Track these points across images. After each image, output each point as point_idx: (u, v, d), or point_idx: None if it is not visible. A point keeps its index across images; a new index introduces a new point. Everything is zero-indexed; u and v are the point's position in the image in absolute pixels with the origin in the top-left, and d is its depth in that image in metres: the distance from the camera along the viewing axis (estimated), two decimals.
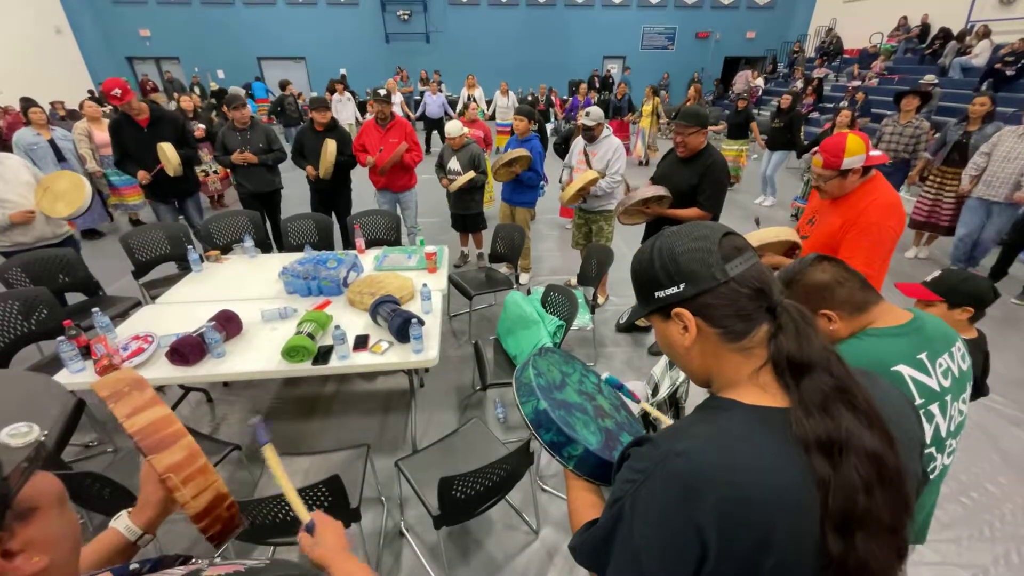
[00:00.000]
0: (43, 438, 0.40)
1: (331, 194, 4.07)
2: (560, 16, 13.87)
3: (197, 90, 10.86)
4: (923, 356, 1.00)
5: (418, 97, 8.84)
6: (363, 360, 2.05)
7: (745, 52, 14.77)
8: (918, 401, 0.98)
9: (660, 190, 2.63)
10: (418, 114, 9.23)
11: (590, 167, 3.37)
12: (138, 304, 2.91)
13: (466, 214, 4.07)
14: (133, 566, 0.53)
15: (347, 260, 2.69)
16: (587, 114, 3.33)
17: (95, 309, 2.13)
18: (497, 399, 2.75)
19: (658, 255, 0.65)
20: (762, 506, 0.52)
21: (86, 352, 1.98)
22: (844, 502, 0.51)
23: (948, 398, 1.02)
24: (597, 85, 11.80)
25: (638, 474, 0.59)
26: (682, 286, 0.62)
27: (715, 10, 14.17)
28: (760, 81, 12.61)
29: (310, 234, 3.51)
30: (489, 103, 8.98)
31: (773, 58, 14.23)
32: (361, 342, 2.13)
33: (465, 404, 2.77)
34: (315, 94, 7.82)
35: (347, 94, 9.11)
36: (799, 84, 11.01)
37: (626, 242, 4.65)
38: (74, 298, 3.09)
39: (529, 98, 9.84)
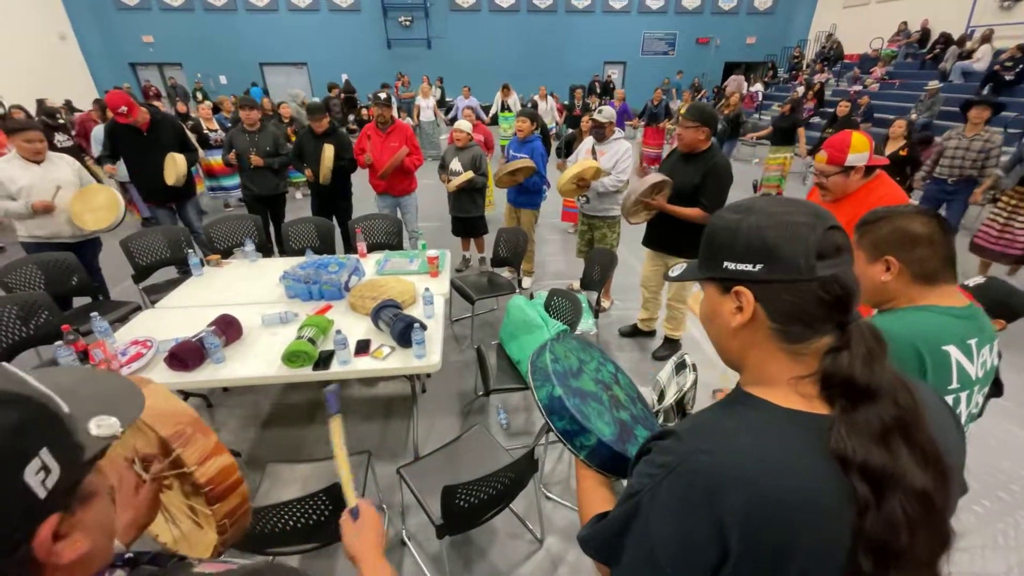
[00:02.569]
0: (119, 433, 0.41)
1: (332, 198, 4.06)
2: (561, 22, 13.94)
3: (199, 95, 10.90)
4: (972, 342, 0.98)
5: (419, 103, 8.88)
6: (364, 365, 2.02)
7: (745, 57, 14.83)
8: (953, 385, 0.97)
9: (661, 176, 2.62)
10: (449, 117, 9.27)
11: None
12: (138, 308, 2.88)
13: (466, 218, 4.04)
14: (128, 555, 0.52)
15: (348, 264, 2.66)
16: (600, 111, 3.30)
17: (94, 314, 2.10)
18: (500, 405, 2.71)
19: (747, 224, 0.57)
20: (791, 510, 0.50)
21: (84, 357, 1.95)
22: (884, 534, 0.48)
23: (976, 388, 1.01)
24: (598, 90, 11.83)
25: (659, 469, 0.56)
26: (758, 267, 0.56)
27: (715, 16, 14.24)
28: (759, 86, 12.64)
29: (311, 238, 3.49)
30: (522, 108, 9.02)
31: (773, 63, 14.28)
32: (363, 347, 2.10)
33: (468, 410, 2.73)
34: (316, 99, 7.83)
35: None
36: (800, 89, 11.04)
37: (631, 250, 4.61)
38: (80, 301, 3.06)
39: (529, 104, 9.86)
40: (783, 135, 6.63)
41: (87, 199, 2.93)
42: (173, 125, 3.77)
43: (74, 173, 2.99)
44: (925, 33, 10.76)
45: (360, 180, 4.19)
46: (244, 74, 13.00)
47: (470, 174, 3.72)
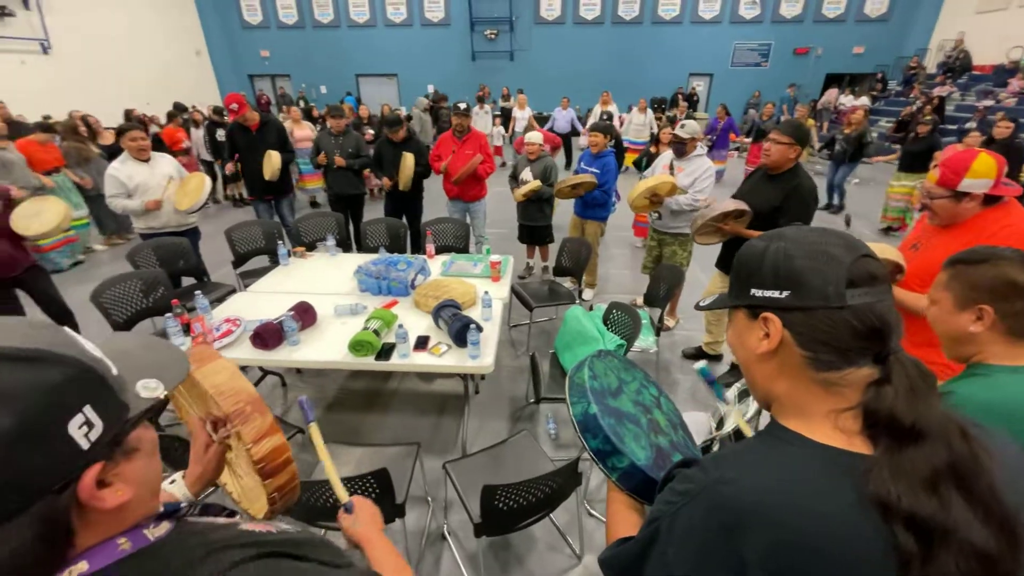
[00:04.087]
0: (163, 396, 0.49)
1: (405, 200, 4.30)
2: (646, 33, 13.69)
3: (302, 103, 12.03)
4: None
5: (516, 114, 9.20)
6: (422, 360, 2.11)
7: (851, 68, 13.60)
8: None
9: (740, 204, 2.46)
10: (547, 127, 9.46)
11: None
12: (233, 291, 3.23)
13: (533, 225, 4.09)
14: (183, 504, 0.58)
15: (416, 264, 2.80)
16: (682, 126, 3.19)
17: (198, 292, 2.40)
18: (550, 414, 2.70)
19: (774, 250, 0.57)
20: (821, 557, 0.46)
21: (187, 329, 2.23)
22: None
23: None
24: (680, 103, 11.45)
25: (680, 496, 0.55)
26: (785, 294, 0.55)
27: (818, 24, 13.23)
28: (865, 100, 11.52)
29: (385, 237, 3.71)
30: (622, 120, 9.09)
31: (883, 75, 12.97)
32: (421, 343, 2.19)
33: (517, 415, 2.75)
34: (402, 109, 8.37)
35: (486, 107, 9.76)
36: (917, 104, 9.93)
37: (703, 269, 4.40)
38: (186, 282, 3.51)
39: (605, 116, 9.81)
40: (914, 160, 5.53)
41: (184, 186, 3.36)
42: (277, 127, 4.27)
43: (174, 168, 3.44)
44: None
45: (433, 184, 4.39)
46: (342, 84, 14.14)
47: (537, 183, 3.76)
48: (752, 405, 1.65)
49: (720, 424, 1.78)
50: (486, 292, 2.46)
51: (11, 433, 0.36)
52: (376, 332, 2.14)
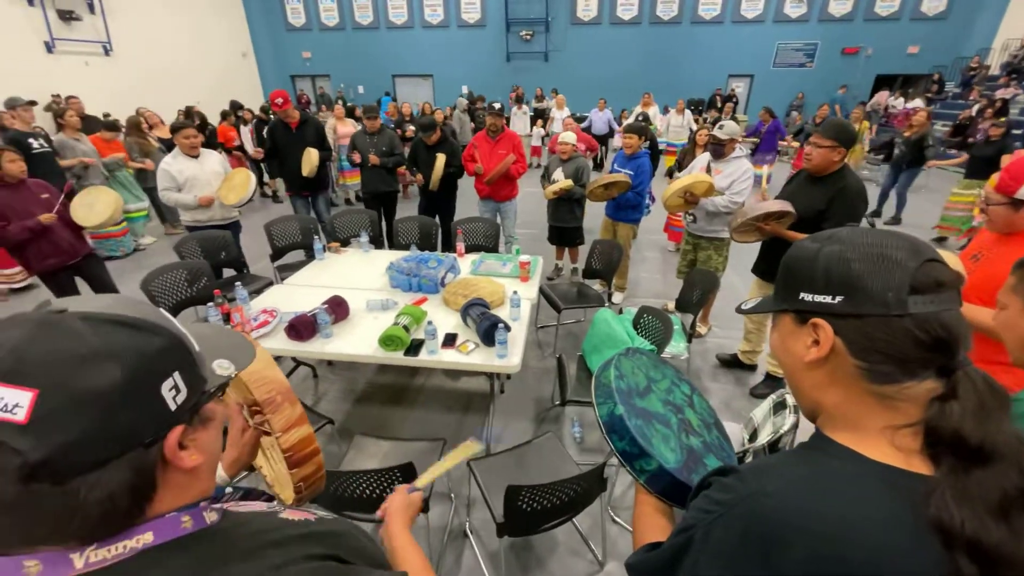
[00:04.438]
0: (232, 375, 0.53)
1: (438, 199, 4.35)
2: (685, 33, 13.39)
3: (340, 102, 12.37)
4: None
5: (554, 114, 9.21)
6: (449, 357, 2.12)
7: (904, 69, 12.92)
8: None
9: (785, 205, 2.34)
10: (583, 127, 9.46)
11: None
12: (270, 283, 3.34)
13: (564, 227, 4.06)
14: (228, 489, 0.61)
15: (446, 262, 2.82)
16: (720, 127, 3.09)
17: (238, 283, 2.49)
18: (575, 417, 2.67)
19: (827, 252, 0.53)
20: None
21: (226, 319, 2.32)
22: None
23: None
24: (719, 104, 11.15)
25: (717, 506, 0.52)
26: (838, 299, 0.51)
27: (869, 23, 12.62)
28: (919, 102, 10.92)
29: (416, 235, 3.77)
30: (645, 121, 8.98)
31: (939, 76, 12.26)
32: (450, 340, 2.21)
33: (542, 417, 2.73)
34: (440, 110, 8.51)
35: (524, 107, 9.87)
36: (976, 107, 9.34)
37: (739, 275, 4.26)
38: (227, 273, 3.66)
39: (640, 117, 9.66)
40: (983, 165, 5.06)
41: (229, 180, 3.50)
42: (316, 126, 4.41)
43: (220, 164, 3.61)
44: None
45: (466, 183, 4.43)
46: (379, 84, 14.44)
47: (568, 182, 3.73)
48: (788, 419, 1.58)
49: (753, 436, 1.72)
50: (515, 292, 2.45)
51: (119, 386, 0.40)
52: (406, 328, 2.17)
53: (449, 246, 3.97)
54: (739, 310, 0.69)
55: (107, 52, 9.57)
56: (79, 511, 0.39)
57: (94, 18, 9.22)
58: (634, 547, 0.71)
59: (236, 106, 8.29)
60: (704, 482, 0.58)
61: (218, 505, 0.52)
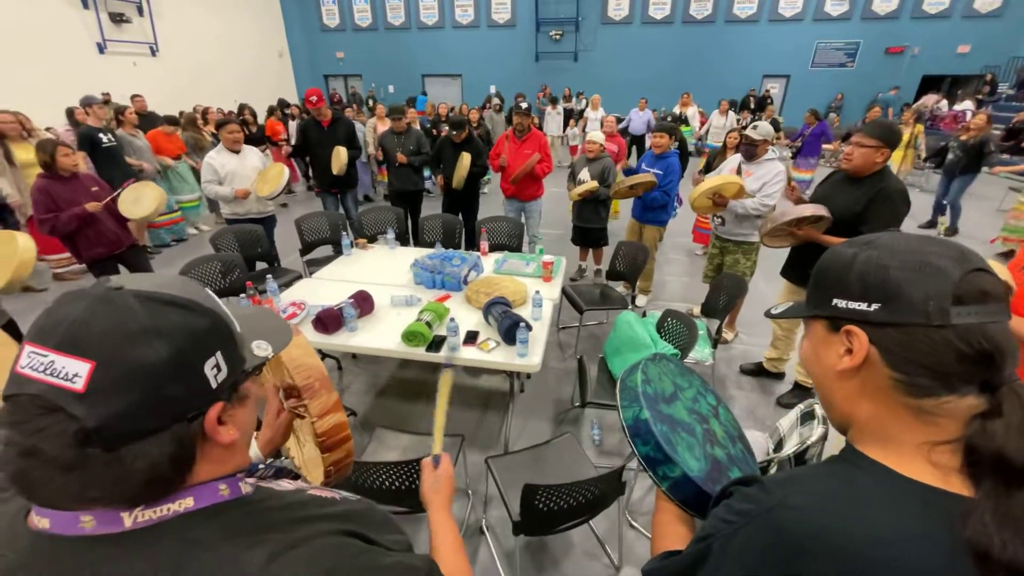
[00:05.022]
0: (270, 356, 0.56)
1: (463, 199, 4.38)
2: (718, 33, 13.10)
3: (371, 102, 12.60)
4: None
5: (588, 115, 9.14)
6: (470, 355, 2.14)
7: (953, 70, 12.29)
8: None
9: (819, 209, 2.26)
10: (619, 129, 9.36)
11: None
12: (299, 276, 3.43)
13: (588, 228, 4.03)
14: (261, 467, 0.64)
15: (470, 260, 2.85)
16: (754, 127, 3.01)
17: (269, 276, 2.58)
18: (595, 420, 2.65)
19: (864, 258, 0.51)
20: None
21: None
22: None
23: None
24: (752, 106, 10.86)
25: (737, 516, 0.51)
26: (874, 306, 0.49)
27: (916, 21, 12.06)
28: (968, 103, 10.37)
29: (440, 233, 3.81)
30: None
31: (992, 77, 11.61)
32: (471, 337, 2.22)
33: (561, 418, 2.72)
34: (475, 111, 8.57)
35: (559, 107, 9.88)
36: None
37: (767, 280, 4.15)
38: (259, 266, 3.77)
39: (669, 118, 9.49)
40: None
41: (264, 174, 3.66)
42: (347, 125, 4.50)
43: (260, 160, 3.77)
44: None
45: (491, 182, 4.44)
46: (408, 84, 14.65)
47: (594, 184, 3.70)
48: (816, 430, 1.53)
49: (779, 446, 1.67)
50: (537, 292, 2.45)
51: (167, 362, 0.43)
52: (428, 324, 2.20)
53: (472, 244, 4.00)
54: (768, 314, 0.67)
55: (153, 53, 10.01)
56: (126, 477, 0.42)
57: (142, 20, 9.66)
58: (652, 554, 0.70)
59: (283, 104, 8.96)
60: (725, 491, 0.57)
61: (252, 480, 0.54)
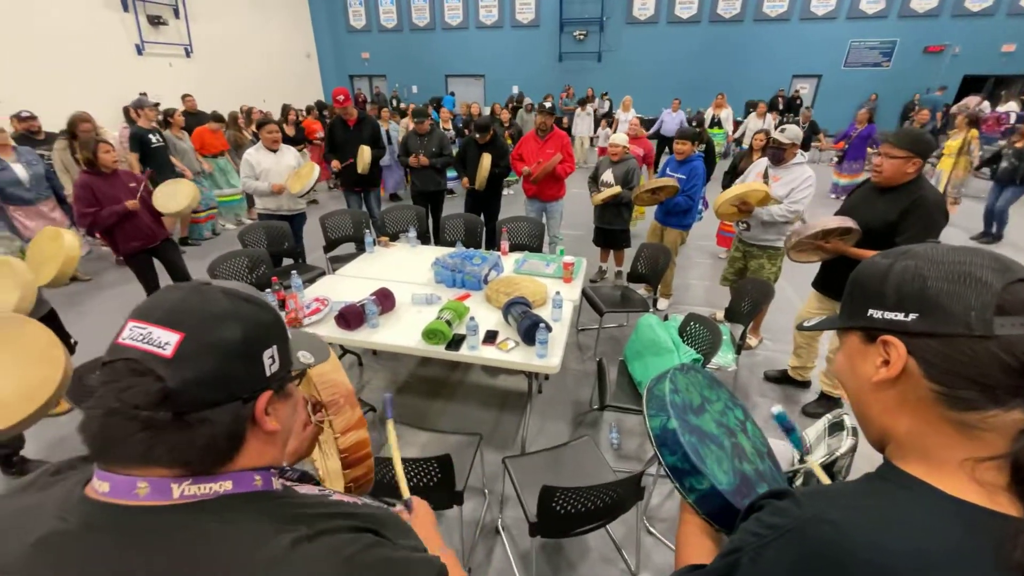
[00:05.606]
0: (312, 364, 0.64)
1: (484, 199, 4.40)
2: (747, 32, 12.82)
3: (395, 102, 12.76)
4: None
5: (619, 116, 9.05)
6: (489, 354, 2.14)
7: (996, 70, 11.75)
8: None
9: (847, 222, 2.18)
10: (652, 131, 8.96)
11: None
12: (323, 273, 3.50)
13: (609, 229, 4.00)
14: (288, 470, 0.66)
15: (490, 259, 2.85)
16: (782, 130, 2.93)
17: (294, 272, 2.64)
18: (613, 423, 2.62)
19: (901, 268, 0.50)
20: None
21: (281, 305, 2.45)
22: None
23: None
24: (780, 107, 10.60)
25: (769, 530, 0.49)
26: (912, 316, 0.48)
27: (957, 19, 11.58)
28: (1013, 105, 9.90)
29: (461, 232, 3.83)
30: (737, 124, 8.68)
31: None
32: (490, 337, 2.23)
33: (579, 420, 2.70)
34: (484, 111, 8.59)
35: (588, 108, 9.84)
36: None
37: (794, 287, 4.04)
38: (285, 262, 3.86)
39: (694, 122, 9.32)
40: None
41: (297, 172, 3.79)
42: (372, 124, 4.56)
43: (295, 159, 3.89)
44: None
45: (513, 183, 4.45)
46: (432, 84, 14.79)
47: (617, 189, 3.67)
48: (846, 441, 1.48)
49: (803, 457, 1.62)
50: (557, 292, 2.44)
51: (237, 343, 0.50)
52: (448, 322, 2.21)
53: (493, 244, 4.01)
54: (800, 328, 0.65)
55: (188, 54, 10.34)
56: (188, 441, 0.47)
57: (178, 22, 9.99)
58: (676, 566, 0.69)
59: (321, 105, 9.54)
60: (756, 504, 0.56)
61: (281, 479, 0.58)
